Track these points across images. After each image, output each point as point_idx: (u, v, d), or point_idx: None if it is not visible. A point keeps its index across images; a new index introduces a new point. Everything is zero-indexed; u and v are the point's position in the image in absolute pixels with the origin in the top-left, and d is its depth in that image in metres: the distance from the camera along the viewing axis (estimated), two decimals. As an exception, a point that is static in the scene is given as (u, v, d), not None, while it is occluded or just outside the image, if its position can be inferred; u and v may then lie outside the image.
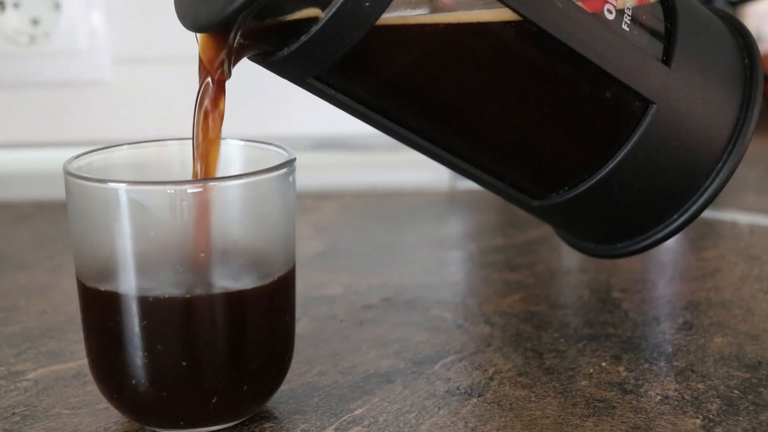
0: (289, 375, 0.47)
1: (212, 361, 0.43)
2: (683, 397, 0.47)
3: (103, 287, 0.43)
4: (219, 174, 0.46)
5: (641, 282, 0.62)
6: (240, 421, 0.46)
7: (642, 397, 0.47)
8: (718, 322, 0.55)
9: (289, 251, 0.45)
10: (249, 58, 0.45)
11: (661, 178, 0.49)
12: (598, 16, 0.46)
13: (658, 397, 0.47)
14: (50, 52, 0.82)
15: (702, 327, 0.55)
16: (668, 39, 0.49)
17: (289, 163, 0.45)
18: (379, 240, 0.71)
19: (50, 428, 0.46)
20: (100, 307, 0.44)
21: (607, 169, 0.48)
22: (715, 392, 0.48)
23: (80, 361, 0.52)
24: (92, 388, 0.48)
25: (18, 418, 0.47)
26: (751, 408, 0.46)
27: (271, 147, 0.47)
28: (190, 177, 0.47)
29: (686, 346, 0.53)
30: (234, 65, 0.44)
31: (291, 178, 0.45)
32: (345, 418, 0.46)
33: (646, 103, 0.47)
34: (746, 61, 0.51)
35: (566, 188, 0.50)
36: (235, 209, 0.43)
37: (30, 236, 0.74)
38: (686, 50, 0.49)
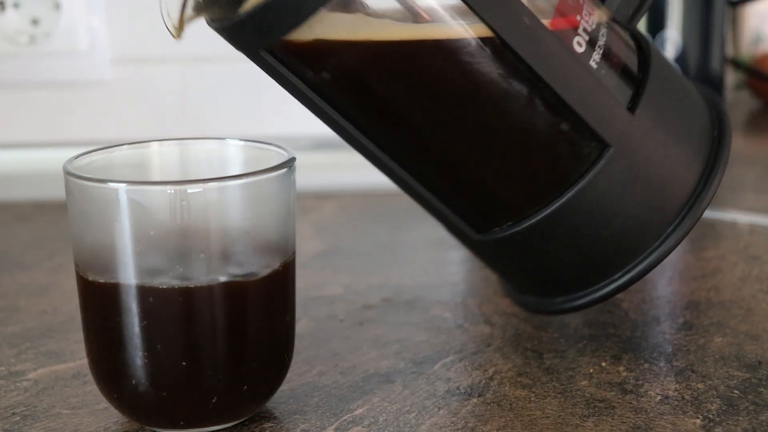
0: (289, 375, 0.48)
1: (212, 361, 0.43)
2: (683, 397, 0.47)
3: (103, 286, 0.43)
4: (219, 174, 0.46)
5: (641, 282, 0.62)
6: (240, 421, 0.46)
7: (642, 397, 0.47)
8: (718, 322, 0.55)
9: (289, 251, 0.45)
10: (208, 24, 0.44)
11: (608, 228, 0.47)
12: (567, 46, 0.45)
13: (658, 397, 0.47)
14: (50, 52, 0.82)
15: (702, 327, 0.55)
16: (637, 88, 0.48)
17: (289, 163, 0.45)
18: (379, 240, 0.71)
19: (50, 428, 0.46)
20: (100, 306, 0.44)
21: (552, 208, 0.46)
22: (715, 392, 0.48)
23: (80, 361, 0.52)
24: (92, 388, 0.48)
25: (18, 418, 0.47)
26: (751, 408, 0.46)
27: (271, 147, 0.47)
28: (190, 177, 0.47)
29: (686, 346, 0.53)
30: (186, 25, 0.43)
31: (291, 178, 0.45)
32: (345, 418, 0.46)
33: (603, 145, 0.46)
34: (716, 133, 0.50)
35: (510, 223, 0.48)
36: (235, 209, 0.43)
37: (30, 236, 0.74)
38: (653, 103, 0.47)
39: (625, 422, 0.45)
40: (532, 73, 0.44)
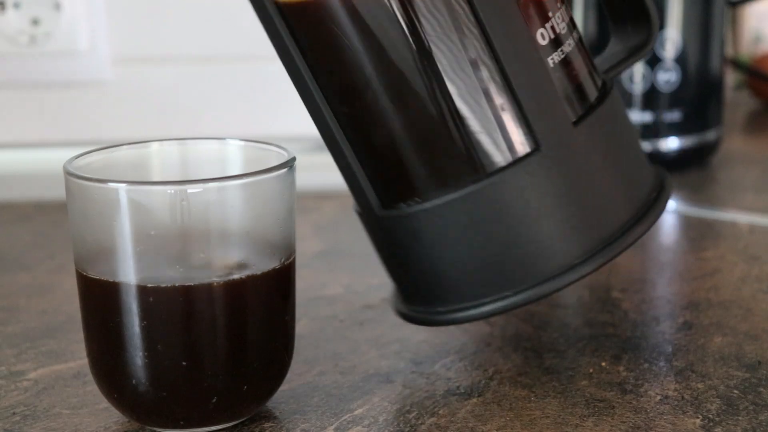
0: (289, 375, 0.48)
1: (212, 361, 0.43)
2: (683, 397, 0.47)
3: (103, 286, 0.43)
4: (219, 174, 0.46)
5: (641, 282, 0.62)
6: (240, 421, 0.46)
7: (642, 397, 0.47)
8: (717, 322, 0.56)
9: (289, 251, 0.45)
10: None
11: (515, 235, 0.45)
12: (529, 30, 0.45)
13: (658, 397, 0.47)
14: (50, 52, 0.82)
15: (702, 327, 0.55)
16: (587, 110, 0.46)
17: (289, 163, 0.45)
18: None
19: (50, 428, 0.46)
20: (100, 306, 0.44)
21: (461, 193, 0.44)
22: (714, 392, 0.48)
23: (80, 361, 0.52)
24: (92, 388, 0.48)
25: (18, 418, 0.47)
26: (751, 408, 0.46)
27: (271, 147, 0.47)
28: (190, 177, 0.47)
29: (686, 346, 0.53)
30: None
31: (291, 178, 0.45)
32: (345, 417, 0.46)
33: (534, 142, 0.44)
34: (654, 195, 0.48)
35: (417, 200, 0.46)
36: (235, 209, 0.43)
37: (30, 236, 0.74)
38: (598, 129, 0.46)
39: (625, 422, 0.45)
40: (483, 37, 0.43)
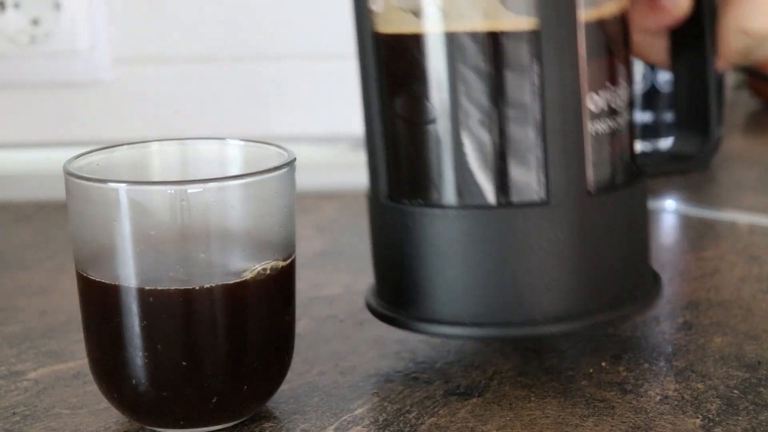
0: (289, 375, 0.48)
1: (212, 361, 0.43)
2: (683, 397, 0.47)
3: (103, 286, 0.43)
4: (219, 174, 0.46)
5: (641, 282, 0.62)
6: (240, 420, 0.46)
7: (642, 397, 0.47)
8: (717, 322, 0.55)
9: (289, 251, 0.45)
10: None
11: (497, 269, 0.45)
12: (581, 89, 0.45)
13: (658, 397, 0.47)
14: (50, 52, 0.82)
15: (702, 327, 0.55)
16: (610, 187, 0.47)
17: (290, 163, 0.45)
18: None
19: (50, 428, 0.46)
20: (100, 306, 0.44)
21: (463, 212, 0.46)
22: (714, 392, 0.48)
23: (80, 361, 0.52)
24: (92, 388, 0.48)
25: (18, 418, 0.47)
26: (751, 408, 0.46)
27: (272, 147, 0.47)
28: (190, 177, 0.47)
29: (686, 346, 0.53)
30: None
31: (291, 178, 0.45)
32: (345, 418, 0.46)
33: (545, 192, 0.45)
34: (648, 285, 0.49)
35: (420, 201, 0.47)
36: (235, 209, 0.43)
37: (30, 236, 0.74)
38: (613, 207, 0.47)
39: (625, 422, 0.45)
40: (539, 78, 0.44)
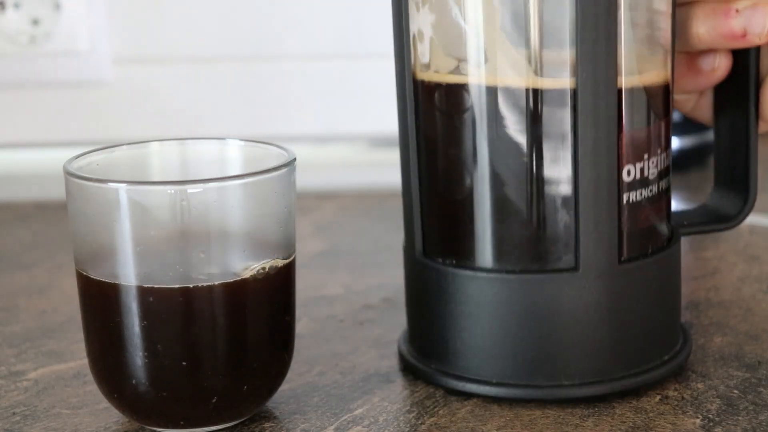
0: (289, 375, 0.47)
1: (212, 361, 0.43)
2: (683, 397, 0.47)
3: (103, 286, 0.43)
4: (219, 174, 0.46)
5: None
6: (240, 420, 0.46)
7: (642, 397, 0.47)
8: (717, 322, 0.55)
9: (289, 251, 0.45)
10: None
11: (524, 333, 0.46)
12: (616, 160, 0.45)
13: (658, 397, 0.47)
14: (50, 52, 0.82)
15: (702, 327, 0.55)
16: (642, 254, 0.47)
17: (290, 163, 0.45)
18: (379, 240, 0.71)
19: (50, 428, 0.46)
20: (100, 306, 0.44)
21: (493, 275, 0.46)
22: (714, 392, 0.48)
23: (80, 360, 0.52)
24: (92, 388, 0.48)
25: (18, 418, 0.47)
26: (751, 408, 0.46)
27: (272, 147, 0.47)
28: (190, 177, 0.47)
29: (686, 346, 0.53)
30: None
31: (291, 178, 0.45)
32: (345, 417, 0.46)
33: (575, 261, 0.45)
34: (676, 349, 0.49)
35: (453, 262, 0.47)
36: (235, 209, 0.43)
37: (30, 236, 0.74)
38: (643, 274, 0.47)
39: (625, 422, 0.45)
40: (573, 152, 0.45)
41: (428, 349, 0.49)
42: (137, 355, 0.43)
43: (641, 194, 0.47)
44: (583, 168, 0.45)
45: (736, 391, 0.48)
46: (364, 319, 0.57)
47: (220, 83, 0.84)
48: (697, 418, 0.45)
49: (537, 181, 0.46)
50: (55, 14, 0.81)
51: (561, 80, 0.45)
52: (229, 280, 0.43)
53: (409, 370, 0.50)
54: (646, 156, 0.46)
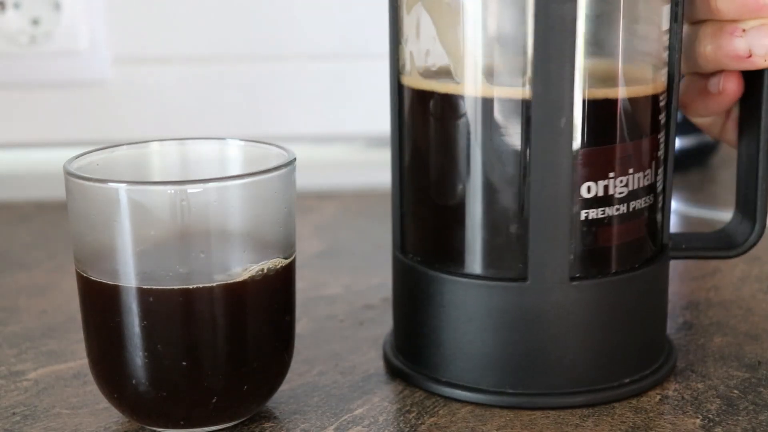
0: (289, 375, 0.47)
1: (212, 361, 0.43)
2: (683, 397, 0.47)
3: (103, 286, 0.43)
4: (219, 174, 0.46)
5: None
6: (240, 420, 0.46)
7: (642, 397, 0.47)
8: (717, 322, 0.56)
9: (289, 251, 0.45)
10: None
11: (463, 336, 0.46)
12: (575, 176, 0.44)
13: (658, 397, 0.47)
14: (50, 52, 0.82)
15: (702, 327, 0.55)
16: (601, 273, 0.46)
17: (290, 163, 0.45)
18: (379, 240, 0.71)
19: (50, 428, 0.46)
20: (100, 306, 0.44)
21: (447, 277, 0.46)
22: (714, 392, 0.48)
23: (80, 361, 0.52)
24: (92, 388, 0.48)
25: (18, 418, 0.47)
26: (751, 408, 0.46)
27: (272, 147, 0.47)
28: (190, 177, 0.47)
29: (686, 345, 0.53)
30: None
31: (291, 178, 0.45)
32: (345, 417, 0.46)
33: (524, 272, 0.45)
34: (625, 380, 0.47)
35: (416, 258, 0.48)
36: (235, 209, 0.43)
37: (30, 236, 0.74)
38: (599, 293, 0.46)
39: (625, 422, 0.45)
40: (522, 166, 0.44)
41: (405, 349, 0.50)
42: (137, 355, 0.43)
43: (604, 212, 0.45)
44: (535, 181, 0.44)
45: (736, 391, 0.48)
46: (364, 318, 0.57)
47: (219, 83, 0.84)
48: (697, 418, 0.45)
49: (491, 191, 0.45)
50: (55, 14, 0.81)
51: (514, 90, 0.44)
52: (229, 280, 0.43)
53: (395, 372, 0.50)
54: (611, 174, 0.45)
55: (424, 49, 0.46)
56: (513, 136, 0.44)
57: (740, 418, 0.45)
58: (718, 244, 0.51)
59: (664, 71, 0.47)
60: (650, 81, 0.46)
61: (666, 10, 0.46)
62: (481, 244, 0.46)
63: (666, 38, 0.46)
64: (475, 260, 0.46)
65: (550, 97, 0.43)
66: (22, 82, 0.83)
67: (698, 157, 0.87)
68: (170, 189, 0.42)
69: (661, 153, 0.48)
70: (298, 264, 0.47)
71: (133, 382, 0.43)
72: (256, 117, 0.84)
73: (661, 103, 0.47)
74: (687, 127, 0.84)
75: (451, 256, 0.47)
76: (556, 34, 0.43)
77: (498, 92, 0.44)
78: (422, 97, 0.47)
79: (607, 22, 0.44)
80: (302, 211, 0.76)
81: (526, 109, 0.44)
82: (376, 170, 0.83)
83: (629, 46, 0.45)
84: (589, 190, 0.45)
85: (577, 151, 0.44)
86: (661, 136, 0.47)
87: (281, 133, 0.81)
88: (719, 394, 0.47)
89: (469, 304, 0.46)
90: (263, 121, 0.84)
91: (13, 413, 0.47)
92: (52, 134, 0.84)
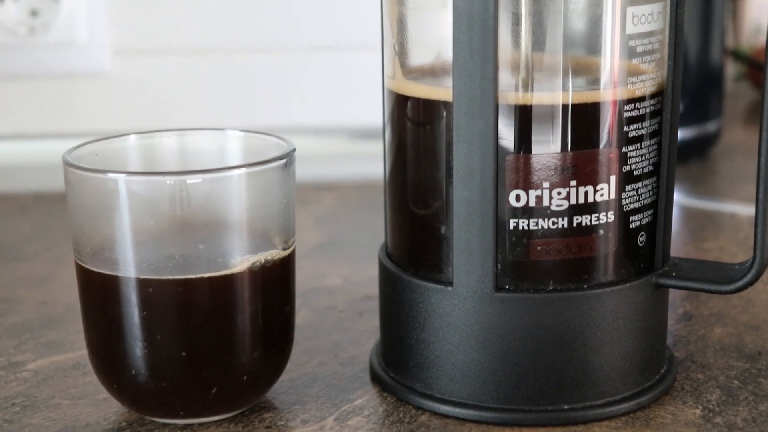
0: (288, 365, 0.48)
1: (211, 352, 0.43)
2: (683, 388, 0.47)
3: (102, 277, 0.43)
4: (219, 165, 0.46)
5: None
6: (240, 411, 0.46)
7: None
8: (718, 313, 0.56)
9: (288, 242, 0.45)
10: None
11: (414, 338, 0.46)
12: (502, 190, 0.43)
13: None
14: (50, 43, 0.82)
15: (702, 318, 0.55)
16: (534, 289, 0.43)
17: (289, 154, 0.45)
18: (378, 231, 0.71)
19: (50, 418, 0.46)
20: (99, 297, 0.44)
21: (406, 278, 0.46)
22: (714, 382, 0.48)
23: (80, 351, 0.52)
24: (92, 379, 0.48)
25: (18, 409, 0.47)
26: (751, 398, 0.46)
27: (271, 137, 0.47)
28: (189, 168, 0.47)
29: (686, 336, 0.53)
30: None
31: (291, 169, 0.45)
32: (345, 408, 0.46)
33: (451, 277, 0.44)
34: (565, 406, 0.44)
35: (390, 257, 0.48)
36: (234, 200, 0.43)
37: (30, 227, 0.74)
38: (525, 307, 0.43)
39: (624, 413, 0.45)
40: (447, 172, 0.44)
41: (385, 352, 0.49)
42: (137, 346, 0.43)
43: (537, 224, 0.43)
44: (457, 184, 0.43)
45: (736, 382, 0.48)
46: (363, 309, 0.57)
47: (219, 74, 0.84)
48: (698, 408, 0.45)
49: (423, 193, 0.45)
50: (54, 5, 0.81)
51: (439, 91, 0.43)
52: (228, 271, 0.43)
53: (377, 381, 0.49)
54: (546, 184, 0.42)
55: (388, 49, 0.47)
56: (440, 138, 0.44)
57: (740, 408, 0.45)
58: (718, 278, 0.46)
59: (641, 78, 0.43)
60: (608, 87, 0.43)
61: (634, 12, 0.43)
62: (415, 245, 0.46)
63: (639, 42, 0.43)
64: (414, 261, 0.46)
65: (471, 99, 0.42)
66: (21, 73, 0.83)
67: (699, 148, 0.87)
68: (169, 180, 0.42)
69: (632, 168, 0.44)
70: (297, 255, 0.47)
71: (133, 372, 0.43)
72: (255, 108, 0.84)
73: (630, 114, 0.43)
74: (687, 118, 0.85)
75: (400, 254, 0.47)
76: (475, 32, 0.41)
77: (424, 92, 0.44)
78: (389, 98, 0.47)
79: (538, 21, 0.42)
80: (302, 202, 0.76)
81: (448, 112, 0.43)
82: (376, 161, 0.83)
83: (570, 45, 0.42)
84: (518, 198, 0.43)
85: (504, 157, 0.43)
86: (633, 149, 0.44)
87: (281, 124, 0.81)
88: (719, 385, 0.47)
89: (418, 307, 0.46)
90: (263, 112, 0.84)
91: (13, 404, 0.47)
92: (51, 125, 0.84)
